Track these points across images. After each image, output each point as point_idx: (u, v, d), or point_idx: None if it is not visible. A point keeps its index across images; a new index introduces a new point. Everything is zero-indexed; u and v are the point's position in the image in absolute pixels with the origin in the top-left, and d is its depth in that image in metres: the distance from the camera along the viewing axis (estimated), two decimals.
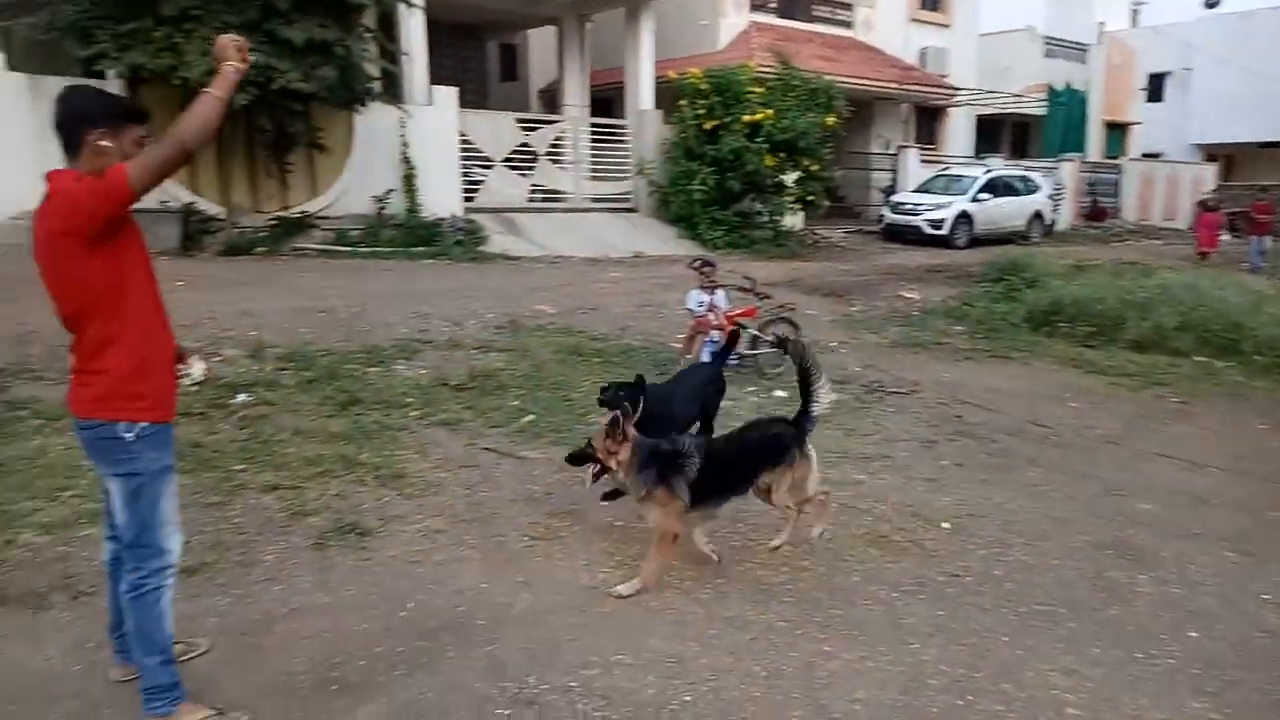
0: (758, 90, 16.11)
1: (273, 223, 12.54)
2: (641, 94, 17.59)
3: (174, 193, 11.48)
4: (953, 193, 19.69)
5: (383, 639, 3.38)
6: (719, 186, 16.09)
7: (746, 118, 15.81)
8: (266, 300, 8.71)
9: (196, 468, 4.79)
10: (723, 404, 5.45)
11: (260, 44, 10.53)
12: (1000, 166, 22.09)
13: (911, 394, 7.42)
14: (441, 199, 14.22)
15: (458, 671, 3.20)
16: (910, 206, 19.72)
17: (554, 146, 16.84)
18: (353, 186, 13.56)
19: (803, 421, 4.10)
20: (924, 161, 22.89)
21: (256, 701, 2.97)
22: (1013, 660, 3.43)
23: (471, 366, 7.25)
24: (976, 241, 19.04)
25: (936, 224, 19.09)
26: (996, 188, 20.17)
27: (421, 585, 3.79)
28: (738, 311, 7.95)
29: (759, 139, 15.78)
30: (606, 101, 20.21)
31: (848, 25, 23.68)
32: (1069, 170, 25.75)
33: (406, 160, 13.77)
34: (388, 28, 13.74)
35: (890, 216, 20.16)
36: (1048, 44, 29.52)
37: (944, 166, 22.50)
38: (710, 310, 7.69)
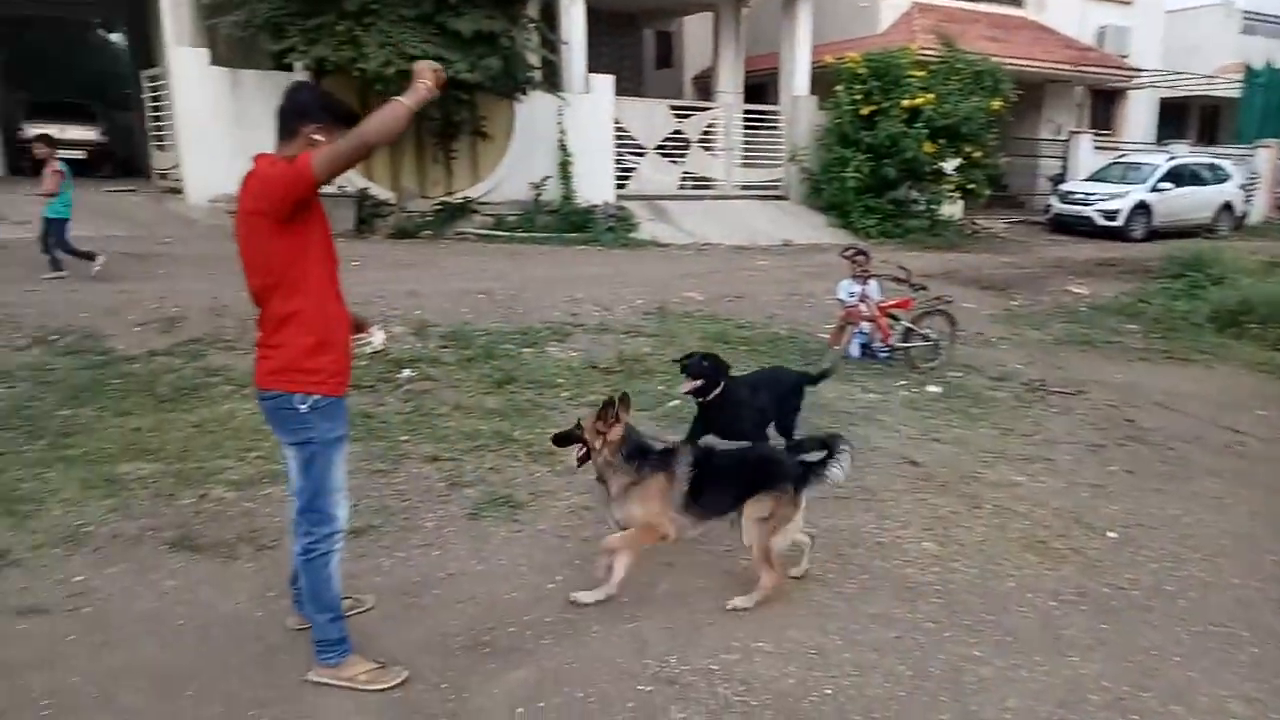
0: (919, 74, 15.55)
1: (437, 207, 13.17)
2: (796, 79, 17.32)
3: (350, 179, 12.22)
4: (1130, 181, 18.38)
5: (532, 608, 3.53)
6: (874, 174, 15.67)
7: (906, 102, 15.30)
8: (430, 281, 9.16)
9: (366, 436, 5.13)
10: (869, 397, 5.33)
11: (431, 36, 11.07)
12: (1185, 153, 20.37)
13: (1077, 394, 7.02)
14: (595, 186, 14.50)
15: (602, 645, 3.29)
16: (1081, 196, 18.56)
17: (706, 133, 16.87)
18: (512, 173, 14.03)
19: (809, 469, 3.64)
20: (1098, 148, 21.41)
21: (414, 657, 3.15)
22: (1185, 682, 3.21)
23: (620, 350, 7.38)
24: (1155, 234, 17.68)
25: (1110, 215, 17.88)
26: (1180, 176, 18.65)
27: (569, 560, 3.91)
28: (891, 303, 7.74)
29: (918, 124, 15.25)
30: (760, 87, 19.98)
31: (1018, 4, 22.41)
32: (1266, 158, 23.41)
33: (563, 147, 14.11)
34: (549, 18, 14.11)
35: (1058, 206, 19.04)
36: (1246, 19, 26.94)
37: (1120, 153, 20.99)
38: (862, 301, 7.51)
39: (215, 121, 11.89)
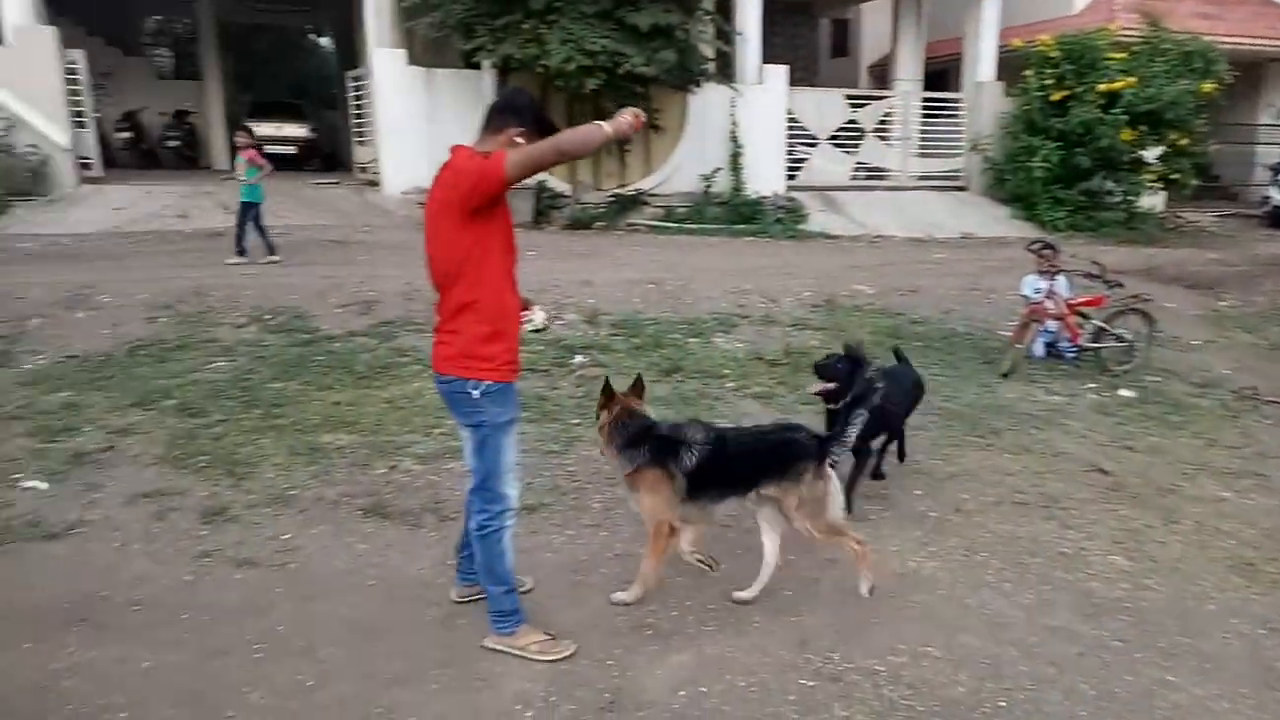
0: (1118, 56, 14.43)
1: (610, 199, 13.46)
2: (981, 65, 16.49)
3: None
4: None
5: (695, 594, 3.58)
6: (1064, 163, 14.67)
7: (1103, 86, 14.22)
8: (602, 271, 9.39)
9: (540, 419, 5.34)
10: (1053, 399, 5.05)
11: (610, 31, 11.32)
12: None
13: None
14: (765, 177, 14.39)
15: (764, 637, 3.30)
16: None
17: (882, 122, 16.38)
18: (683, 165, 14.13)
19: (828, 442, 3.50)
20: None
21: (581, 633, 3.26)
22: None
23: (786, 343, 7.32)
24: None
25: None
26: None
27: (731, 550, 3.93)
28: (1080, 300, 7.27)
29: (1116, 110, 14.16)
30: (940, 74, 19.14)
31: None
32: None
33: (734, 139, 14.06)
34: (725, 9, 14.09)
35: (1277, 198, 17.22)
36: None
37: None
38: (1048, 297, 7.08)
39: (410, 117, 12.68)
